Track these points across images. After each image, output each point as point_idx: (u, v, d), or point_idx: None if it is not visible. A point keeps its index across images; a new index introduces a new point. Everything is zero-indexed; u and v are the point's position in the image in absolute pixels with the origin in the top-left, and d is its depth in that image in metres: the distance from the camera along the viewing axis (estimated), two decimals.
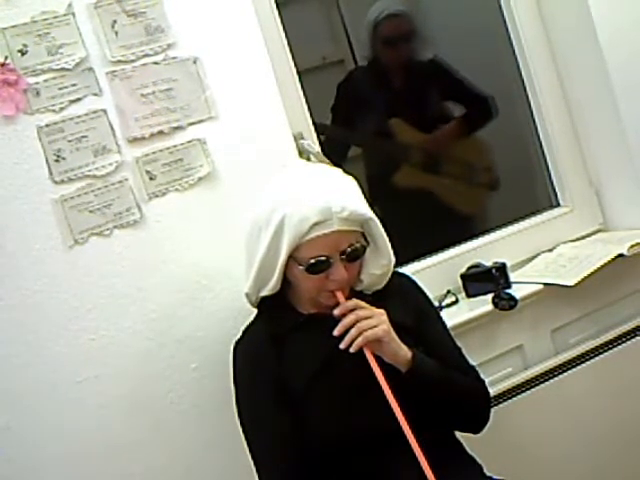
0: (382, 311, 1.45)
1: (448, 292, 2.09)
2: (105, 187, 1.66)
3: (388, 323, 1.43)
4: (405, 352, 1.45)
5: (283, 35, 1.95)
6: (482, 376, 1.61)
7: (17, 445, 1.60)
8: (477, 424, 1.57)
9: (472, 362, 1.62)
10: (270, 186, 1.48)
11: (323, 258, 1.41)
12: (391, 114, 2.51)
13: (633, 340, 2.08)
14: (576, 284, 1.98)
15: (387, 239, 1.50)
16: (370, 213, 1.45)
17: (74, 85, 1.64)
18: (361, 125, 2.52)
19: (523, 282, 2.08)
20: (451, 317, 1.91)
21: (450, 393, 1.50)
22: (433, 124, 2.54)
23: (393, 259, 1.53)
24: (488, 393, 1.62)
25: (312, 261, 1.41)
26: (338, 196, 1.40)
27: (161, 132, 1.71)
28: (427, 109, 2.58)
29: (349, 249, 1.42)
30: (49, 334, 1.62)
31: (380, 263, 1.51)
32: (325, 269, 1.42)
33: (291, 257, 1.43)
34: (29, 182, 1.61)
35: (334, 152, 2.06)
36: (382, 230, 1.49)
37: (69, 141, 1.64)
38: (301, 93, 1.98)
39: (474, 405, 1.57)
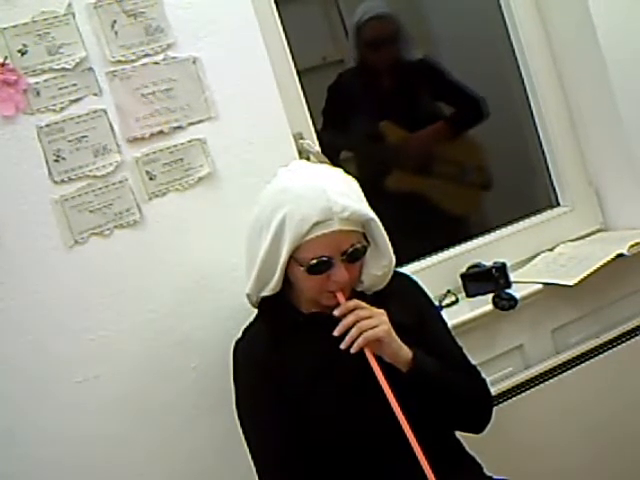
0: (382, 311, 1.44)
1: (448, 292, 2.09)
2: (105, 187, 1.66)
3: (388, 323, 1.43)
4: (406, 352, 1.44)
5: (283, 35, 1.94)
6: (483, 376, 1.61)
7: (17, 446, 1.60)
8: (479, 424, 1.57)
9: (473, 362, 1.62)
10: (271, 186, 1.47)
11: (324, 259, 1.41)
12: (381, 116, 2.47)
13: (633, 339, 2.08)
14: (576, 284, 1.98)
15: (388, 240, 1.50)
16: (371, 213, 1.45)
17: (74, 85, 1.64)
18: (352, 128, 2.49)
19: (523, 282, 2.08)
20: (451, 317, 1.91)
21: (451, 393, 1.50)
22: (424, 126, 2.51)
23: (394, 260, 1.52)
24: (489, 393, 1.62)
25: (313, 262, 1.40)
26: (339, 196, 1.39)
27: (161, 132, 1.71)
28: (417, 110, 2.55)
29: (350, 249, 1.42)
30: (49, 334, 1.62)
31: (381, 264, 1.50)
32: (326, 270, 1.42)
33: (292, 257, 1.43)
34: (29, 182, 1.61)
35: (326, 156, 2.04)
36: (383, 231, 1.49)
37: (69, 141, 1.64)
38: (301, 93, 1.98)
39: (475, 405, 1.57)
